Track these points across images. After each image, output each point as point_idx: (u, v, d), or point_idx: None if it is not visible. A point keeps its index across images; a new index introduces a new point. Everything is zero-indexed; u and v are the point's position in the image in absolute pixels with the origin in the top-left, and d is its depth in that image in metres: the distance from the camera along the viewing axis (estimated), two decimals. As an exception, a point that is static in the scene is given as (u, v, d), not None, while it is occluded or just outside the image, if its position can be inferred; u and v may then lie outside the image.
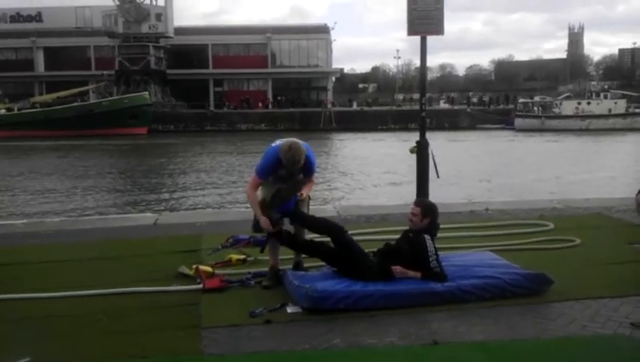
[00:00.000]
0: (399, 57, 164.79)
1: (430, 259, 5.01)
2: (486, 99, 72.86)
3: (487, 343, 4.16)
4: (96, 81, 61.93)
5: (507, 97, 71.12)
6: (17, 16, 70.95)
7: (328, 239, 5.52)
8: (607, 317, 4.55)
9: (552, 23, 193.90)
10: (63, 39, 67.71)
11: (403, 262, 5.09)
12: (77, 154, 36.61)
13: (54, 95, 59.76)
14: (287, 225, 5.60)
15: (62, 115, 52.64)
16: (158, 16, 62.65)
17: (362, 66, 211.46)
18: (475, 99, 72.62)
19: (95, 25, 67.07)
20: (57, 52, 68.56)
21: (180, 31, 65.81)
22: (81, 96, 60.17)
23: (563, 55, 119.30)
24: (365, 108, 66.43)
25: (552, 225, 7.55)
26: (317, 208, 11.16)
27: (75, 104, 56.10)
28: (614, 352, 4.02)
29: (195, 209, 17.04)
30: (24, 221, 10.71)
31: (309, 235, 5.81)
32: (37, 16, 70.63)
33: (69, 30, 68.34)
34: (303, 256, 5.73)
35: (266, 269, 5.59)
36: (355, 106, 70.89)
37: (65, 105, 55.10)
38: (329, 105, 62.23)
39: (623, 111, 55.47)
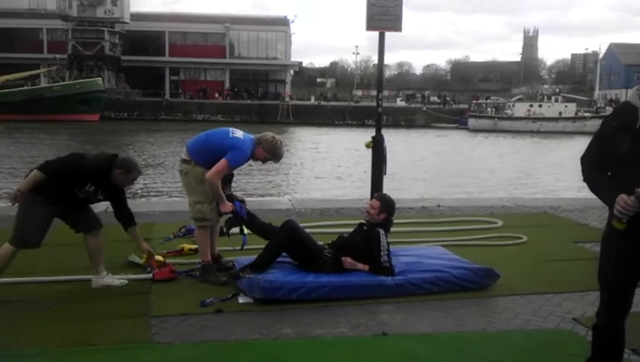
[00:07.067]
0: (358, 53, 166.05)
1: (382, 254, 5.09)
2: (435, 99, 71.80)
3: (435, 335, 4.26)
4: (47, 65, 60.24)
5: (453, 98, 71.53)
6: (-34, -5, 68.50)
7: None
8: (550, 312, 4.70)
9: (509, 26, 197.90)
10: (14, 20, 65.55)
11: (354, 254, 5.15)
12: (22, 139, 35.56)
13: (4, 78, 57.78)
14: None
15: (11, 99, 51.05)
16: (114, 1, 61.38)
17: (321, 61, 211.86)
18: (433, 98, 72.92)
19: (49, 7, 65.33)
20: (8, 33, 66.30)
21: (137, 17, 64.65)
22: (32, 80, 58.48)
23: (518, 58, 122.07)
24: (323, 103, 66.47)
25: (500, 223, 7.74)
26: (272, 200, 11.17)
27: (25, 88, 54.47)
28: (556, 346, 4.14)
29: (147, 197, 16.78)
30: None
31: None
32: (-13, -4, 68.32)
33: (21, 11, 66.29)
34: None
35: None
36: (312, 100, 70.86)
37: (14, 89, 53.50)
38: (287, 99, 62.06)
39: (572, 114, 56.96)
